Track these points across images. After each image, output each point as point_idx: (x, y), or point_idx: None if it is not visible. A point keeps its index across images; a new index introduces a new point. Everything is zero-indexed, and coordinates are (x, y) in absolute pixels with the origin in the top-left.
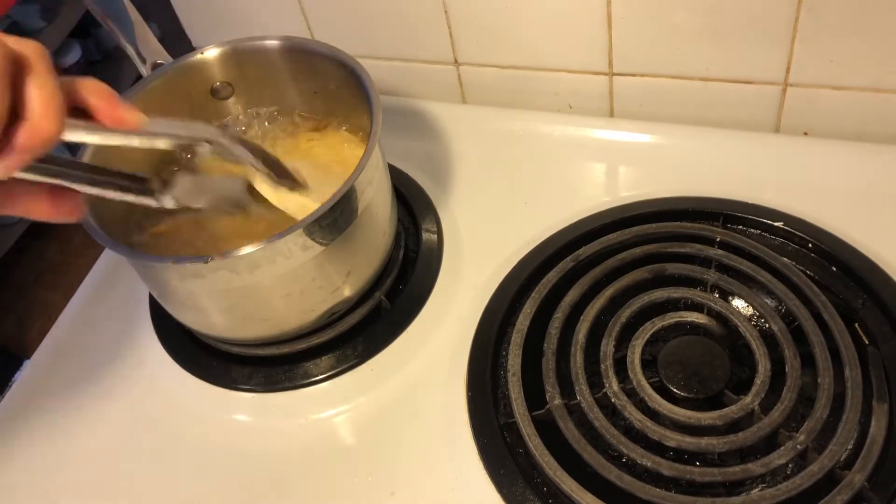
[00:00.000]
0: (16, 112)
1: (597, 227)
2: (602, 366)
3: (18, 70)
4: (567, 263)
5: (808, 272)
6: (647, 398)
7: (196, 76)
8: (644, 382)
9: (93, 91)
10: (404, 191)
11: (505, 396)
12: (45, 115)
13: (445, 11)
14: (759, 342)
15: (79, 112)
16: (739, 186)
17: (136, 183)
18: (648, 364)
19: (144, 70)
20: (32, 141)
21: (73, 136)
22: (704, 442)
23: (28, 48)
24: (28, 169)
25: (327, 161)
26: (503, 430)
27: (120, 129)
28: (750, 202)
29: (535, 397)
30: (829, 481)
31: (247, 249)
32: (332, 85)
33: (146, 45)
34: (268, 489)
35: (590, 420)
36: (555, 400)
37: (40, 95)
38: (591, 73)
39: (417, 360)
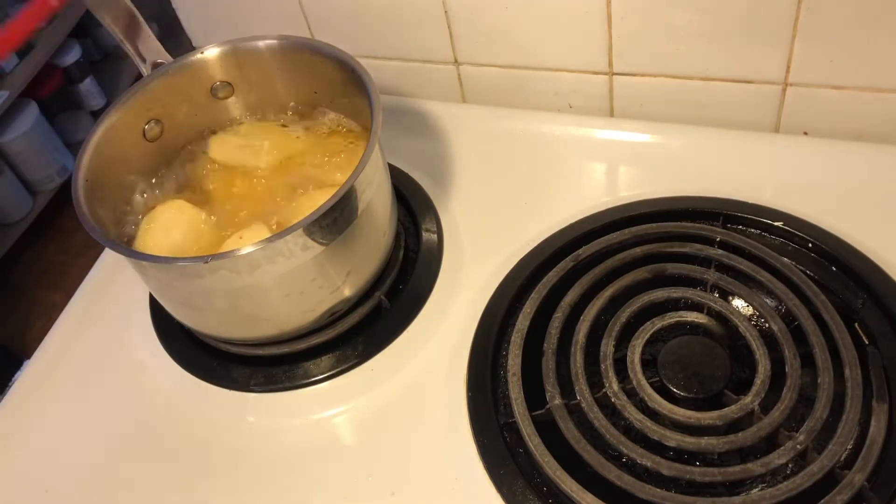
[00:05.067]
0: None
1: (597, 227)
2: (602, 366)
3: None
4: (567, 263)
5: (808, 272)
6: (647, 398)
7: (196, 76)
8: (644, 382)
9: None
10: (404, 191)
11: (505, 396)
12: None
13: (445, 11)
14: (759, 342)
15: None
16: (739, 186)
17: None
18: (648, 364)
19: (144, 70)
20: None
21: None
22: (704, 442)
23: None
24: None
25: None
26: (503, 430)
27: None
28: (750, 202)
29: (535, 397)
30: (829, 481)
31: (247, 249)
32: (331, 85)
33: (146, 45)
34: (268, 489)
35: (590, 420)
36: (555, 400)
37: None
38: (591, 72)
39: (417, 360)
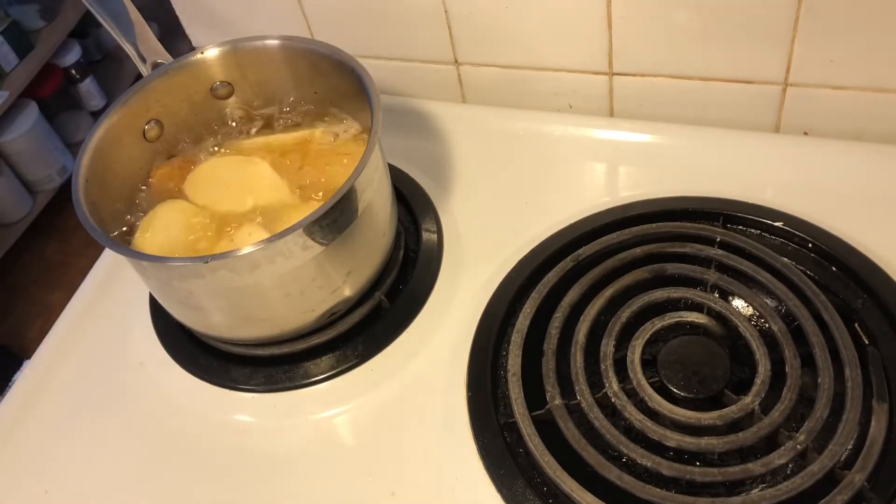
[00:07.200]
0: None
1: (597, 227)
2: (602, 366)
3: None
4: (567, 263)
5: (808, 272)
6: (647, 398)
7: (196, 76)
8: (644, 382)
9: None
10: (404, 191)
11: (505, 396)
12: None
13: (445, 11)
14: (759, 342)
15: None
16: (739, 186)
17: None
18: (648, 364)
19: (144, 70)
20: None
21: None
22: (704, 442)
23: None
24: None
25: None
26: (503, 430)
27: None
28: (750, 202)
29: (535, 397)
30: (829, 481)
31: (247, 249)
32: (331, 85)
33: (146, 45)
34: (268, 489)
35: (590, 420)
36: (555, 400)
37: None
38: (591, 73)
39: (417, 360)
